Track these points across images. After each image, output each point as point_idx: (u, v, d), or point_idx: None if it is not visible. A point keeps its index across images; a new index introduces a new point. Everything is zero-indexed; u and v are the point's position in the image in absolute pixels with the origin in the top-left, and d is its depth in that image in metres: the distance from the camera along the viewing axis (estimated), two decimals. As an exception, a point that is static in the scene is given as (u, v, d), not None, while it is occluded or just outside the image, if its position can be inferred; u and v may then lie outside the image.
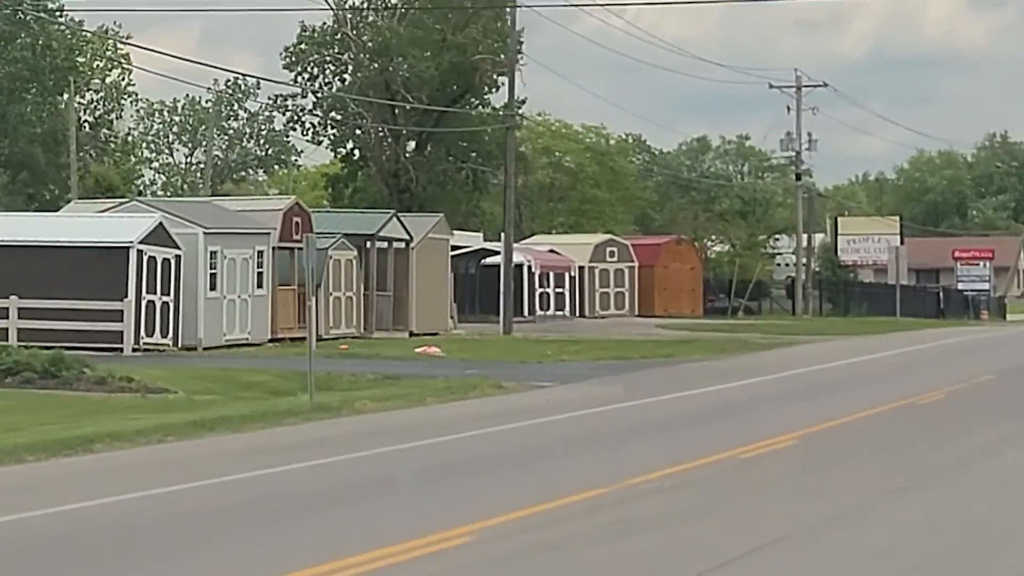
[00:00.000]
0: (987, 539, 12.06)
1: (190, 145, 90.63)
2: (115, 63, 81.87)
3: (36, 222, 44.43)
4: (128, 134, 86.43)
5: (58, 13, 71.26)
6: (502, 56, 63.94)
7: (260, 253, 42.38)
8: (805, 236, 74.32)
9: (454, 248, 64.71)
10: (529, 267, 67.11)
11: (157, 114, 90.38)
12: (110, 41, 78.89)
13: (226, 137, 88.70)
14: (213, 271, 37.28)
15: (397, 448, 17.08)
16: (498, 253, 64.77)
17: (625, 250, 74.31)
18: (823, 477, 15.56)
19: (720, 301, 78.33)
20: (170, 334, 37.64)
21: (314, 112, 69.84)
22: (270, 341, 41.54)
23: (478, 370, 36.56)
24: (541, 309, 68.43)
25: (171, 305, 38.28)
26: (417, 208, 70.23)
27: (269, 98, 75.43)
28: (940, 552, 11.53)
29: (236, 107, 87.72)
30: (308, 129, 70.42)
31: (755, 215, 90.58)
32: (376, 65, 69.58)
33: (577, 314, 70.89)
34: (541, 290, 68.69)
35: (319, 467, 16.26)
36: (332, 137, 71.53)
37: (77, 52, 75.70)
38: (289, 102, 67.92)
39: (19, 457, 16.18)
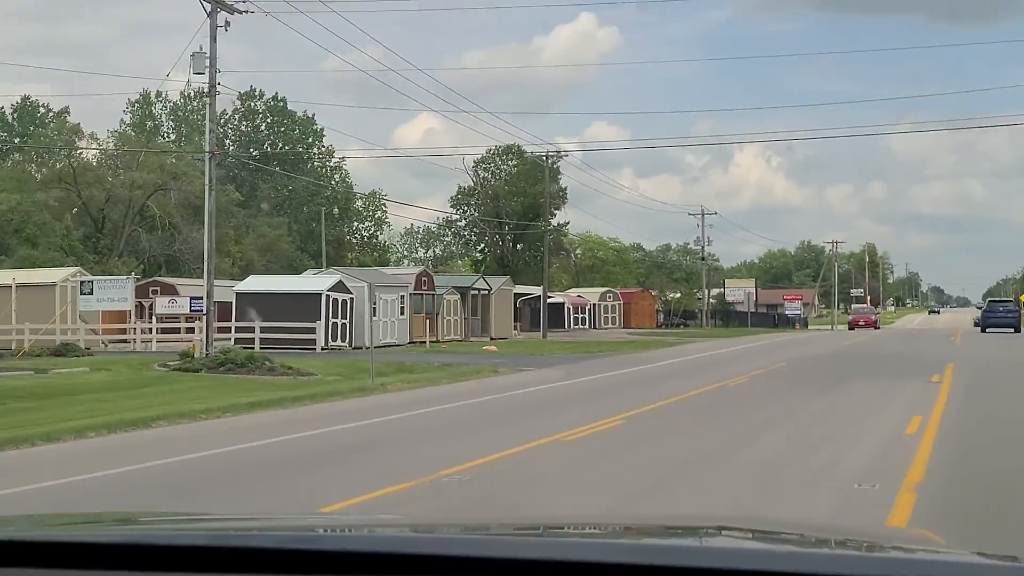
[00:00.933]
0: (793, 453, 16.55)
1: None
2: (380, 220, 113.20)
3: (280, 279, 54.63)
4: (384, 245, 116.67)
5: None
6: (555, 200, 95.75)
7: (402, 296, 50.89)
8: (707, 289, 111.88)
9: (525, 294, 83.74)
10: (565, 304, 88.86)
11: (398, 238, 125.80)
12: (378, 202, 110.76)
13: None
14: (374, 305, 42.30)
15: (408, 414, 22.68)
16: (551, 297, 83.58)
17: (616, 295, 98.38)
18: (689, 423, 21.06)
19: (668, 320, 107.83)
20: (346, 340, 45.14)
21: (464, 229, 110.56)
22: (408, 343, 50.46)
23: (504, 359, 40.86)
24: (573, 326, 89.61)
25: (347, 324, 45.91)
26: (513, 275, 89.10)
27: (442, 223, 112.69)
28: (769, 455, 16.21)
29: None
30: (461, 238, 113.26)
31: (688, 280, 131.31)
32: (492, 204, 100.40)
33: (591, 327, 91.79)
34: (573, 315, 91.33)
35: (372, 424, 21.20)
36: (471, 239, 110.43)
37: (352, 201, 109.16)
38: (454, 226, 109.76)
39: (195, 416, 22.55)
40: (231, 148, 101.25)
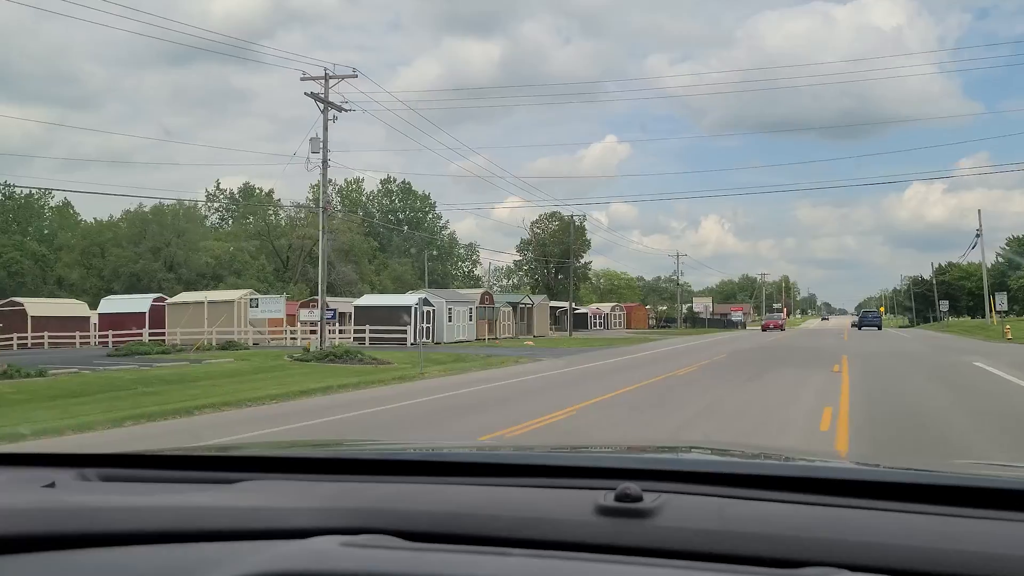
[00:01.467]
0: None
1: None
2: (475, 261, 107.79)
3: (385, 296, 50.17)
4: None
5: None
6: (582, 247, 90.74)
7: (471, 309, 45.54)
8: (679, 304, 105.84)
9: (560, 307, 77.15)
10: (587, 313, 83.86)
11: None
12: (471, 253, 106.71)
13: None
14: (449, 314, 41.31)
15: (444, 395, 16.90)
16: (577, 309, 79.39)
17: (622, 308, 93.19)
18: (651, 402, 15.71)
19: (660, 324, 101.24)
20: (429, 338, 39.44)
21: (524, 265, 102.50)
22: (475, 339, 44.94)
23: (533, 351, 35.49)
24: (594, 327, 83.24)
25: (430, 327, 40.76)
26: (553, 295, 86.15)
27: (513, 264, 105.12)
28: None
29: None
30: (523, 270, 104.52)
31: (671, 298, 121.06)
32: (541, 248, 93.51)
33: (606, 329, 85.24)
34: (594, 321, 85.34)
35: (441, 399, 16.67)
36: (530, 271, 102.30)
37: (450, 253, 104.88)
38: (517, 265, 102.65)
39: (311, 394, 17.97)
40: (376, 216, 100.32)
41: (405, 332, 40.99)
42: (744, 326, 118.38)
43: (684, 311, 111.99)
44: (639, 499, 1.16)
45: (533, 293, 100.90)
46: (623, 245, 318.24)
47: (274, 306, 42.13)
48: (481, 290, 54.40)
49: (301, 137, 76.10)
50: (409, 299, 44.22)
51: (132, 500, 1.32)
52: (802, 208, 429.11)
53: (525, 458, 1.65)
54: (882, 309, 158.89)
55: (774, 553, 1.05)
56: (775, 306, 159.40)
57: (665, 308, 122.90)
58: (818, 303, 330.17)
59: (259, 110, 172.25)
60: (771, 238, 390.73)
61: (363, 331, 42.52)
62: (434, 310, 44.18)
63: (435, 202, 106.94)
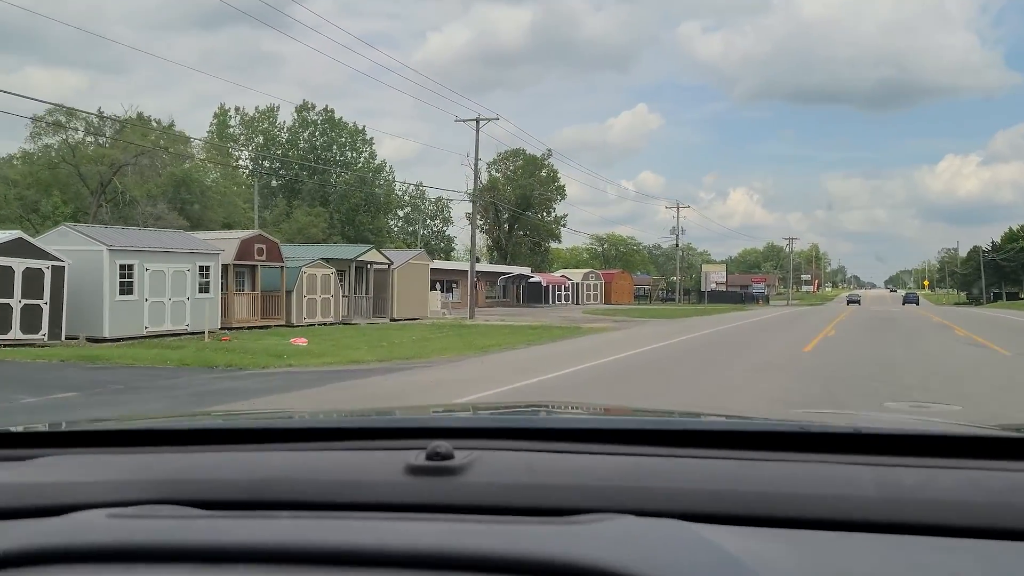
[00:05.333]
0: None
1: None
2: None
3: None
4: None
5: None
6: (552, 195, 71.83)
7: (205, 269, 25.30)
8: (679, 270, 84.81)
9: (505, 273, 58.41)
10: (541, 282, 61.99)
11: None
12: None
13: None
14: (128, 273, 22.35)
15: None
16: (532, 277, 60.54)
17: (598, 275, 70.56)
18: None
19: (665, 296, 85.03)
20: (41, 331, 19.78)
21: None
22: (220, 328, 24.23)
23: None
24: (555, 302, 62.96)
25: (50, 305, 20.18)
26: (510, 260, 68.90)
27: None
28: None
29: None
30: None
31: (691, 267, 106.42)
32: (492, 194, 69.42)
33: (574, 303, 64.69)
34: (556, 293, 64.31)
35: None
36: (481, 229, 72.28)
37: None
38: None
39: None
40: (283, 152, 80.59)
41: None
42: (766, 300, 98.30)
43: (694, 282, 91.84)
44: (450, 457, 1.15)
45: (491, 255, 76.79)
46: (648, 216, 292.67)
47: None
48: (242, 233, 29.48)
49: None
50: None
51: None
52: (832, 183, 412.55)
53: (337, 422, 1.58)
54: (925, 283, 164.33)
55: (575, 503, 1.08)
56: (803, 277, 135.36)
57: (677, 279, 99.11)
58: (847, 275, 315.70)
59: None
60: (799, 211, 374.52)
61: None
62: (62, 269, 21.19)
63: (371, 138, 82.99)
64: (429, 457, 1.15)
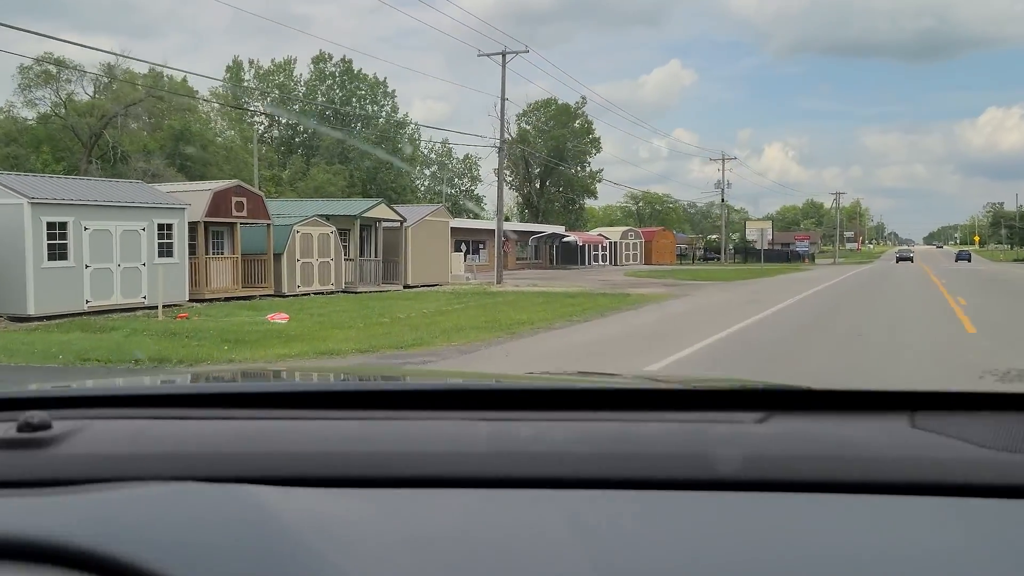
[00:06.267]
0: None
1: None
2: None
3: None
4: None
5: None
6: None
7: (166, 227, 20.86)
8: (725, 227, 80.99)
9: (537, 232, 54.14)
10: (576, 242, 57.79)
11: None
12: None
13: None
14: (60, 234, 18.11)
15: None
16: (567, 236, 56.35)
17: (638, 234, 65.65)
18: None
19: (705, 256, 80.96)
20: None
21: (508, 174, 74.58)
22: (180, 303, 20.46)
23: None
24: (592, 263, 58.52)
25: None
26: (539, 216, 64.92)
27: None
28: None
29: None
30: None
31: (728, 225, 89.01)
32: (524, 147, 65.28)
33: (612, 264, 60.10)
34: (592, 253, 59.61)
35: None
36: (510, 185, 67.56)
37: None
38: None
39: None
40: (299, 105, 75.89)
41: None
42: (812, 259, 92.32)
43: (735, 239, 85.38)
44: (47, 427, 1.07)
45: (522, 214, 71.84)
46: (679, 176, 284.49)
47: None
48: (215, 184, 24.24)
49: None
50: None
51: None
52: (869, 137, 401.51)
53: None
54: (976, 239, 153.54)
55: (140, 471, 1.06)
56: (846, 235, 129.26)
57: (716, 237, 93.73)
58: (886, 232, 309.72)
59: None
60: (836, 166, 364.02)
61: None
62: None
63: (394, 90, 78.65)
64: (20, 429, 1.06)
